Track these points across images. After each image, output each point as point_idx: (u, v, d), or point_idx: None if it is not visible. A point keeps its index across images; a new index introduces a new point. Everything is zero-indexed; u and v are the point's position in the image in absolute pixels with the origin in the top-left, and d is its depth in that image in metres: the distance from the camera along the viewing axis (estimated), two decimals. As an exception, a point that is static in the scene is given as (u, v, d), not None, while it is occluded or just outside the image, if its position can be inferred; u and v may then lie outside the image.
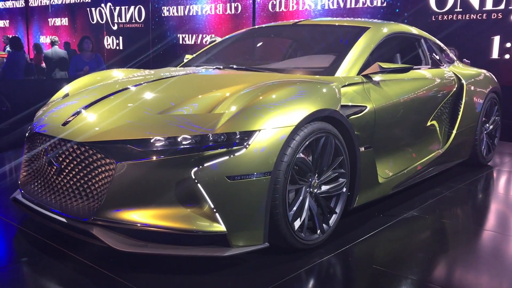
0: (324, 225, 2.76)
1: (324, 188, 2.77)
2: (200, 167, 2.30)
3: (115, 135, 2.45)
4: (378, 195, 3.24)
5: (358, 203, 3.05)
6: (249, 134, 2.37)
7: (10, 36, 12.82)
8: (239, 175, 2.32)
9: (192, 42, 12.17)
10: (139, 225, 2.32)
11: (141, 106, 2.69)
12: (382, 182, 3.23)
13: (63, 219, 2.50)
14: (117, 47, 14.01)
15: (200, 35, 12.00)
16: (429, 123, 3.85)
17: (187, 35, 12.36)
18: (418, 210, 3.41)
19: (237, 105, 2.47)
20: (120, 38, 14.12)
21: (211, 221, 2.32)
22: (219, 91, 2.73)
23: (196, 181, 2.29)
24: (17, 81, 9.06)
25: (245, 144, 2.34)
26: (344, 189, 2.87)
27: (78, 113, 2.75)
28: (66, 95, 3.36)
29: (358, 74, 3.21)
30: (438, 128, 3.99)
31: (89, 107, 2.81)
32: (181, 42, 12.37)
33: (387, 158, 3.34)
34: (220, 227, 2.32)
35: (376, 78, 3.28)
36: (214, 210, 2.31)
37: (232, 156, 2.32)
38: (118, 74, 3.71)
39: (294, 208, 2.57)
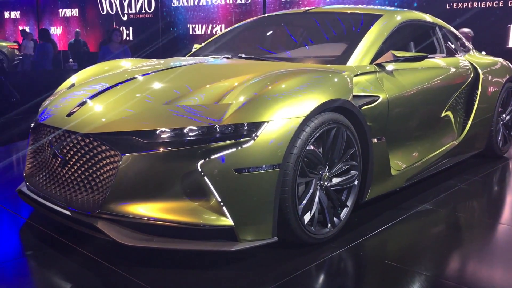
0: (335, 218, 2.68)
1: (335, 180, 2.69)
2: (207, 159, 2.23)
3: (120, 126, 2.38)
4: (391, 188, 3.15)
5: (370, 196, 2.97)
6: (257, 125, 2.29)
7: (39, 28, 13.01)
8: (247, 168, 2.24)
9: (202, 32, 12.08)
10: (144, 218, 2.26)
11: (147, 97, 2.62)
12: (395, 174, 3.14)
13: (68, 212, 2.45)
14: (127, 38, 13.97)
15: (210, 25, 11.91)
16: (443, 114, 3.74)
17: (197, 25, 12.27)
18: (431, 203, 3.32)
19: (245, 95, 2.39)
20: (130, 28, 14.08)
21: (218, 215, 2.25)
22: (227, 81, 2.66)
23: (202, 174, 2.22)
24: (46, 71, 9.19)
25: (253, 135, 2.27)
26: (356, 182, 2.79)
27: (83, 103, 2.69)
28: (72, 85, 3.30)
29: (371, 63, 3.11)
30: (452, 119, 3.88)
31: (94, 97, 2.75)
32: (191, 32, 12.29)
33: (400, 150, 3.24)
34: (228, 221, 2.25)
35: (389, 67, 3.17)
36: (221, 203, 2.24)
37: (239, 148, 2.24)
38: (126, 64, 3.65)
39: (304, 202, 2.49)
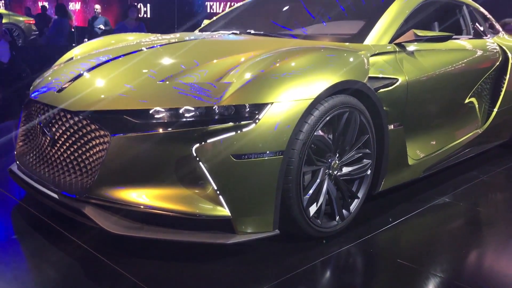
0: (344, 211, 2.47)
1: (345, 170, 2.47)
2: (203, 143, 2.02)
3: (111, 104, 2.19)
4: (407, 178, 2.91)
5: (384, 187, 2.74)
6: (260, 107, 2.07)
7: (57, 3, 12.87)
8: (247, 154, 2.04)
9: (220, 10, 11.81)
10: (134, 205, 2.08)
11: (145, 71, 2.42)
12: (412, 164, 2.90)
13: (55, 195, 2.28)
14: (145, 15, 13.77)
15: (228, 3, 11.62)
16: (467, 100, 3.46)
17: (215, 3, 12.00)
18: (450, 196, 3.07)
19: (249, 74, 2.17)
20: (148, 5, 13.86)
21: (214, 204, 2.06)
22: (231, 58, 2.44)
23: (197, 159, 2.02)
24: (61, 47, 9.08)
25: (255, 118, 2.05)
26: (369, 172, 2.56)
27: (76, 78, 2.50)
28: (71, 59, 3.11)
29: (390, 42, 2.85)
30: (477, 106, 3.60)
31: (91, 70, 2.57)
32: (208, 10, 12.03)
33: (419, 138, 2.99)
34: (224, 211, 2.05)
35: (411, 47, 2.91)
36: (218, 192, 2.04)
37: (239, 132, 2.03)
38: (133, 38, 3.46)
39: (310, 192, 2.28)
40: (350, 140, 2.43)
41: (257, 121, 2.05)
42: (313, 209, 2.30)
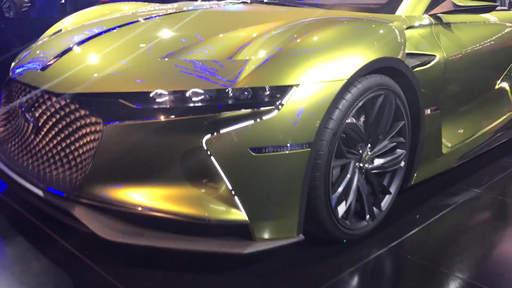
0: (374, 208, 2.14)
1: (377, 162, 2.13)
2: (215, 134, 1.67)
3: (104, 85, 1.84)
4: (440, 169, 2.58)
5: (417, 180, 2.41)
6: (282, 90, 1.72)
7: None
8: (268, 147, 1.69)
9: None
10: (133, 207, 1.74)
11: (143, 46, 2.06)
12: (446, 152, 2.56)
13: (39, 192, 1.95)
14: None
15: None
16: (501, 79, 3.10)
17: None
18: (486, 188, 2.74)
19: (267, 50, 1.81)
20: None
21: (228, 207, 1.72)
22: (243, 31, 2.08)
23: (209, 152, 1.68)
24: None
25: (277, 103, 1.70)
26: (402, 163, 2.23)
27: (63, 53, 2.14)
28: (59, 31, 2.74)
29: (425, 13, 2.47)
30: (510, 86, 3.23)
31: (82, 44, 2.21)
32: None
33: (454, 123, 2.65)
34: (240, 214, 1.72)
35: (447, 19, 2.54)
36: (233, 192, 1.70)
37: (259, 120, 1.68)
38: (129, 8, 3.07)
39: (339, 190, 1.95)
40: (384, 127, 2.09)
41: (280, 107, 1.70)
42: (342, 209, 1.97)
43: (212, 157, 1.68)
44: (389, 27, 2.16)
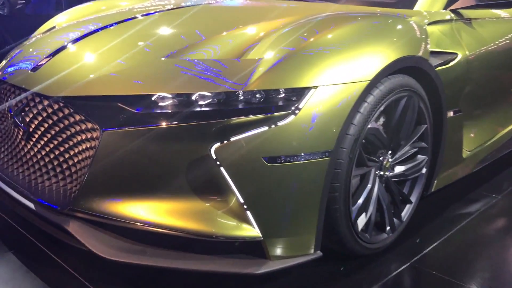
0: (394, 219, 1.98)
1: (398, 169, 1.97)
2: (225, 142, 1.51)
3: (101, 87, 1.67)
4: (460, 175, 2.42)
5: (437, 187, 2.24)
6: (299, 92, 1.55)
7: None
8: (283, 156, 1.52)
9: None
10: (134, 222, 1.57)
11: (144, 45, 1.90)
12: (466, 157, 2.40)
13: (30, 204, 1.78)
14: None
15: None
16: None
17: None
18: (508, 194, 2.58)
19: (278, 49, 1.64)
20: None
21: (239, 221, 1.56)
22: (251, 27, 1.91)
23: (218, 162, 1.51)
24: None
25: (293, 108, 1.53)
26: (424, 170, 2.06)
27: (56, 52, 1.97)
28: (53, 28, 2.57)
29: (445, 8, 2.30)
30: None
31: (76, 42, 2.04)
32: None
33: (474, 125, 2.48)
34: (252, 230, 1.56)
35: (468, 15, 2.38)
36: (244, 206, 1.54)
37: (273, 126, 1.51)
38: (126, 3, 2.89)
39: (360, 201, 1.78)
40: (406, 132, 1.92)
41: (296, 111, 1.53)
42: (361, 221, 1.81)
43: (221, 167, 1.51)
44: (410, 23, 2.00)
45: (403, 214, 2.02)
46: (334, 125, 1.57)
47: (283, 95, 1.55)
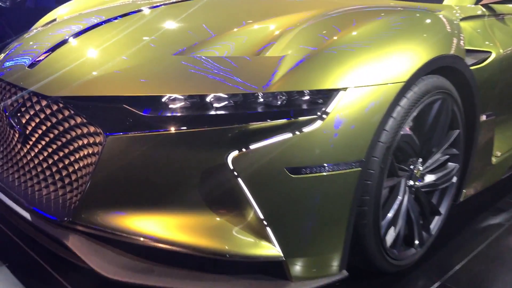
0: (423, 232, 1.82)
1: (428, 178, 1.80)
2: (243, 150, 1.34)
3: (105, 87, 1.50)
4: (490, 182, 2.26)
5: (466, 196, 2.08)
6: (327, 95, 1.38)
7: None
8: (309, 166, 1.36)
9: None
10: (140, 237, 1.41)
11: (151, 40, 1.73)
12: (495, 162, 2.23)
13: (27, 215, 1.62)
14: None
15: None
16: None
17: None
18: (539, 202, 2.42)
19: (299, 47, 1.47)
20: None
21: (258, 239, 1.40)
22: (267, 22, 1.73)
23: (235, 173, 1.34)
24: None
25: (319, 112, 1.37)
26: (455, 179, 1.90)
27: (56, 47, 1.80)
28: (53, 21, 2.40)
29: (476, 3, 2.13)
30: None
31: (76, 37, 1.87)
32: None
33: (504, 128, 2.31)
34: (272, 248, 1.40)
35: (500, 10, 2.21)
36: (264, 222, 1.37)
37: (298, 133, 1.35)
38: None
39: (389, 215, 1.62)
40: (438, 138, 1.76)
41: (324, 116, 1.36)
42: (390, 236, 1.64)
43: (239, 179, 1.35)
44: (442, 18, 1.82)
45: (431, 226, 1.86)
46: (366, 132, 1.40)
47: (308, 97, 1.38)
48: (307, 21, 1.64)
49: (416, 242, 1.78)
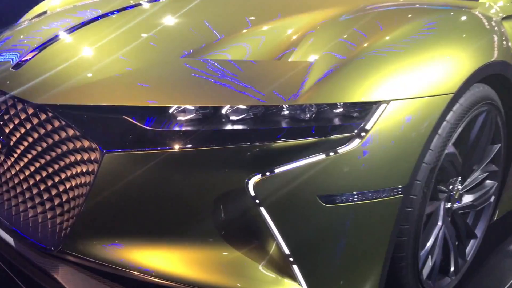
0: (458, 258, 1.62)
1: (466, 199, 1.60)
2: (267, 174, 1.13)
3: (102, 94, 1.29)
4: (523, 198, 2.06)
5: (499, 215, 1.88)
6: (365, 108, 1.17)
7: None
8: (345, 194, 1.15)
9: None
10: (141, 272, 1.21)
11: (153, 40, 1.51)
12: (528, 177, 2.04)
13: (9, 238, 1.40)
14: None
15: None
16: None
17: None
18: None
19: (324, 53, 1.25)
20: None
21: (281, 276, 1.19)
22: (286, 20, 1.52)
23: (257, 200, 1.13)
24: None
25: (357, 129, 1.16)
26: (492, 198, 1.70)
27: (46, 45, 1.58)
28: (43, 13, 2.18)
29: (513, 1, 1.93)
30: None
31: (69, 34, 1.65)
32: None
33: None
34: (298, 287, 1.19)
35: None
36: (290, 258, 1.17)
37: (332, 154, 1.14)
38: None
39: (428, 244, 1.42)
40: (480, 154, 1.56)
41: (362, 134, 1.15)
42: (427, 267, 1.44)
43: (261, 207, 1.14)
44: (484, 19, 1.61)
45: (467, 250, 1.67)
46: (411, 152, 1.20)
47: (343, 111, 1.17)
48: (328, 24, 1.43)
49: (452, 269, 1.58)
